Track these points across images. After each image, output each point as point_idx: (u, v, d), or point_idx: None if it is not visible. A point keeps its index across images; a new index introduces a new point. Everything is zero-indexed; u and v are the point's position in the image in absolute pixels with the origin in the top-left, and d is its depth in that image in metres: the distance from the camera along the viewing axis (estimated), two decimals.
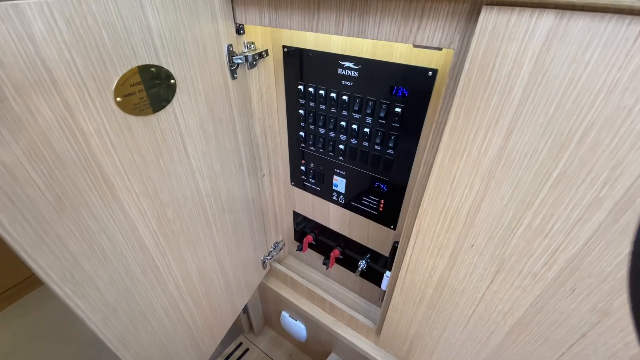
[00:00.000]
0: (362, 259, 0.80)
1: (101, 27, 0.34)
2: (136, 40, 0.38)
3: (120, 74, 0.37)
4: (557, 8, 0.28)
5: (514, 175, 0.37)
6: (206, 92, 0.50)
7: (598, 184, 0.32)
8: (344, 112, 0.61)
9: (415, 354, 0.69)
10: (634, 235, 0.32)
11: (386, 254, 0.75)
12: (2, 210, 0.31)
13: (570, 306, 0.41)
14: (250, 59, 0.56)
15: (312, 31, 0.46)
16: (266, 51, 0.60)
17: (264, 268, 0.92)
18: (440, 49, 0.45)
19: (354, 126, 0.61)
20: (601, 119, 0.30)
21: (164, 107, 0.44)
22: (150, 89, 0.41)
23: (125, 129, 0.40)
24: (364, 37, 0.42)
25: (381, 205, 0.68)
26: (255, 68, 0.60)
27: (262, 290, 1.19)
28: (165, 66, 0.42)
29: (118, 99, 0.38)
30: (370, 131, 0.59)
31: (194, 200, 0.55)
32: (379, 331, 0.75)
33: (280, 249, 0.96)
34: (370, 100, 0.56)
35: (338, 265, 0.91)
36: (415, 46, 0.47)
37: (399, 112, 0.54)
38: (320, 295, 0.87)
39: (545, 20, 0.29)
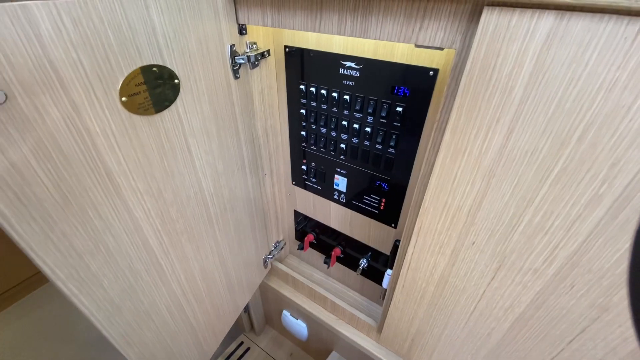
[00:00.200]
0: (363, 258, 0.81)
1: (107, 28, 0.34)
2: (141, 41, 0.38)
3: (126, 74, 0.38)
4: (557, 9, 0.29)
5: (514, 173, 0.37)
6: (209, 92, 0.50)
7: (597, 182, 0.33)
8: (346, 112, 0.61)
9: (416, 351, 0.70)
10: (635, 233, 0.33)
11: (387, 252, 0.76)
12: (11, 209, 0.31)
13: (569, 302, 0.42)
14: (252, 59, 0.56)
15: (314, 31, 0.46)
16: (268, 51, 0.61)
17: (265, 267, 0.93)
18: (441, 49, 0.46)
19: (355, 125, 0.61)
20: (600, 117, 0.30)
21: (167, 107, 0.44)
22: (154, 88, 0.41)
23: (130, 128, 0.40)
24: (367, 37, 0.42)
25: (382, 204, 0.69)
26: (257, 68, 0.60)
27: (263, 290, 1.19)
28: (169, 66, 0.43)
29: (123, 98, 0.38)
30: (371, 130, 0.60)
31: (197, 200, 0.55)
32: (380, 329, 0.76)
33: (282, 248, 0.96)
34: (372, 99, 0.57)
35: (339, 264, 0.91)
36: (417, 46, 0.47)
37: (400, 111, 0.54)
38: (322, 294, 0.88)
39: (546, 21, 0.29)
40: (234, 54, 0.53)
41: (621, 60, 0.28)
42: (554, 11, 0.29)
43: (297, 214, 0.91)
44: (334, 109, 0.63)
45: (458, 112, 0.38)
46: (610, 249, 0.35)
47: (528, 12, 0.30)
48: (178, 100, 0.45)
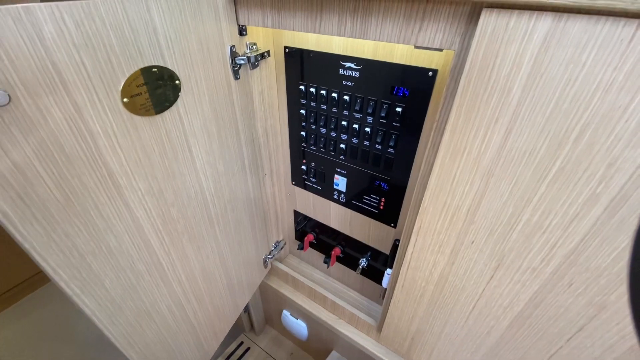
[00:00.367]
0: (363, 257, 0.81)
1: (109, 29, 0.35)
2: (142, 42, 0.38)
3: (127, 75, 0.38)
4: (554, 11, 0.29)
5: (513, 173, 0.38)
6: (210, 93, 0.51)
7: (594, 181, 0.33)
8: (345, 112, 0.62)
9: (416, 350, 0.70)
10: (635, 233, 0.33)
11: (387, 252, 0.76)
12: (14, 209, 0.31)
13: (567, 300, 0.42)
14: (252, 60, 0.56)
15: (314, 32, 0.46)
16: (268, 52, 0.61)
17: (265, 267, 0.93)
18: (441, 50, 0.46)
19: (355, 126, 0.62)
20: (597, 118, 0.31)
21: (167, 107, 0.44)
22: (156, 89, 0.42)
23: (132, 129, 0.40)
24: (366, 39, 0.42)
25: (382, 204, 0.69)
26: (257, 69, 0.61)
27: (263, 289, 1.20)
28: (170, 67, 0.43)
29: (125, 99, 0.38)
30: (371, 131, 0.60)
31: (198, 200, 0.55)
32: (380, 328, 0.76)
33: (282, 248, 0.96)
34: (371, 100, 0.57)
35: (339, 264, 0.91)
36: (417, 47, 0.48)
37: (399, 111, 0.55)
38: (322, 294, 0.88)
39: (543, 23, 0.30)
40: (234, 54, 0.53)
41: (617, 61, 0.28)
42: (551, 13, 0.29)
43: (297, 213, 0.91)
44: (334, 109, 0.63)
45: (457, 113, 0.38)
46: (608, 248, 0.36)
47: (526, 14, 0.30)
48: (179, 100, 0.46)
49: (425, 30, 0.38)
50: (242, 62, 0.55)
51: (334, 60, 0.58)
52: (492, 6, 0.32)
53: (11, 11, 0.27)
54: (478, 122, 0.37)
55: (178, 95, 0.45)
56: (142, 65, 0.39)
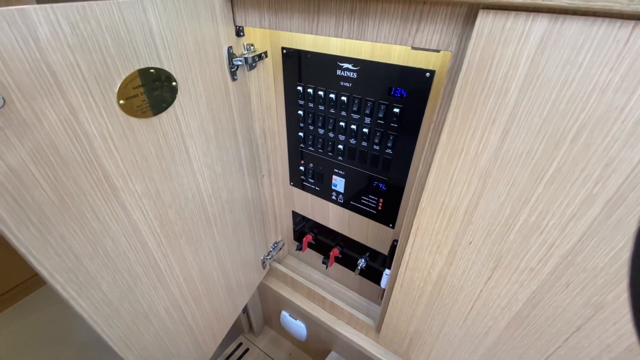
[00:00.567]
0: (362, 258, 0.81)
1: (104, 31, 0.34)
2: (139, 43, 0.38)
3: (123, 77, 0.38)
4: (550, 12, 0.29)
5: (510, 174, 0.38)
6: (207, 94, 0.51)
7: (591, 182, 0.33)
8: (343, 113, 0.62)
9: (414, 350, 0.70)
10: (635, 234, 0.33)
11: (385, 252, 0.76)
12: (9, 213, 0.31)
13: (565, 300, 0.42)
14: (249, 61, 0.56)
15: (312, 34, 0.46)
16: (265, 53, 0.61)
17: (264, 268, 0.93)
18: (438, 51, 0.46)
19: (353, 126, 0.62)
20: (594, 119, 0.31)
21: (165, 109, 0.44)
22: (152, 91, 0.41)
23: (128, 131, 0.40)
24: (364, 40, 0.42)
25: (380, 205, 0.69)
26: (255, 69, 0.61)
27: (262, 290, 1.19)
28: (167, 68, 0.43)
29: (121, 101, 0.38)
30: (369, 131, 0.60)
31: (195, 201, 0.55)
32: (378, 329, 0.76)
33: (280, 249, 0.96)
34: (369, 100, 0.57)
35: (337, 264, 0.91)
36: (414, 48, 0.48)
37: (397, 112, 0.55)
38: (320, 294, 0.88)
39: (540, 24, 0.30)
40: (231, 55, 0.53)
41: (614, 62, 0.28)
42: (547, 14, 0.29)
43: (295, 214, 0.91)
44: (332, 110, 0.63)
45: (454, 113, 0.38)
46: (605, 248, 0.36)
47: (522, 16, 0.30)
48: (176, 102, 0.45)
49: (422, 31, 0.38)
50: (240, 63, 0.55)
51: (331, 61, 0.58)
52: (488, 7, 0.32)
53: (5, 13, 0.27)
54: (475, 123, 0.37)
55: (175, 97, 0.45)
56: (138, 67, 0.39)
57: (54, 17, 0.30)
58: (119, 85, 0.37)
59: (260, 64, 0.61)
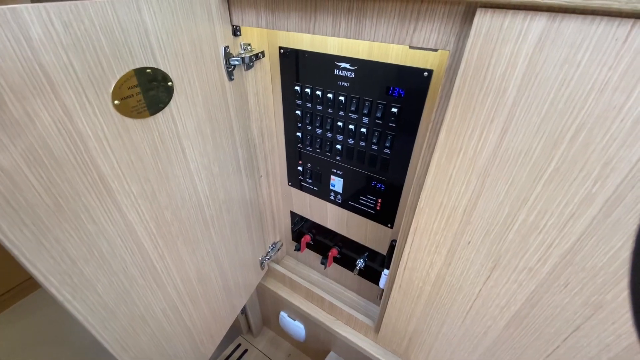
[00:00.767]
0: (360, 258, 0.81)
1: (99, 31, 0.34)
2: (133, 43, 0.38)
3: (118, 77, 0.37)
4: (549, 11, 0.29)
5: (509, 173, 0.38)
6: (203, 94, 0.50)
7: (590, 181, 0.33)
8: (341, 113, 0.61)
9: (413, 350, 0.70)
10: (636, 236, 0.33)
11: (384, 252, 0.76)
12: (1, 216, 0.31)
13: (564, 300, 0.42)
14: (247, 61, 0.56)
15: (309, 33, 0.46)
16: (262, 52, 0.61)
17: (262, 269, 0.92)
18: (435, 50, 0.46)
19: (351, 126, 0.61)
20: (592, 118, 0.31)
21: (161, 109, 0.44)
22: (148, 91, 0.41)
23: (123, 131, 0.40)
24: (361, 39, 0.42)
25: (378, 205, 0.69)
26: (252, 69, 0.60)
27: (261, 291, 1.19)
28: (162, 68, 0.42)
29: (116, 101, 0.38)
30: (367, 131, 0.60)
31: (192, 202, 0.55)
32: (377, 329, 0.76)
33: (278, 250, 0.96)
34: (367, 100, 0.57)
35: (336, 265, 0.91)
36: (412, 47, 0.47)
37: (395, 112, 0.55)
38: (319, 295, 0.88)
39: (538, 23, 0.29)
40: (228, 55, 0.53)
41: (612, 61, 0.28)
42: (546, 13, 0.29)
43: (293, 215, 0.90)
44: (329, 110, 0.63)
45: (452, 113, 0.38)
46: (604, 248, 0.36)
47: (520, 14, 0.30)
48: (172, 102, 0.45)
49: (420, 30, 0.38)
50: (237, 62, 0.54)
51: (329, 61, 0.57)
52: (486, 6, 0.31)
53: None
54: (474, 122, 0.37)
55: (171, 97, 0.45)
56: (133, 67, 0.38)
57: (46, 16, 0.30)
58: (113, 85, 0.37)
59: (257, 64, 0.61)
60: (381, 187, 0.66)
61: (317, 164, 0.73)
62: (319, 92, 0.62)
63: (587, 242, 0.37)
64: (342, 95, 0.59)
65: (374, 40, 0.41)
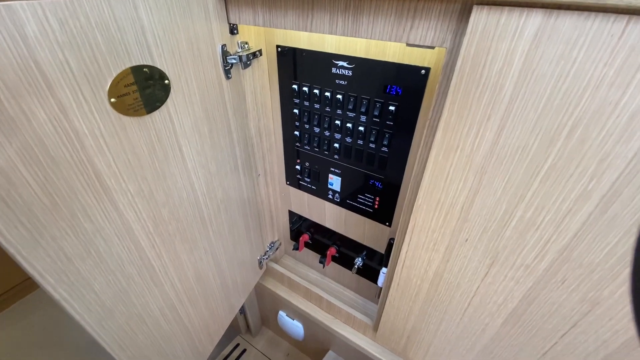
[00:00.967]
0: (358, 257, 0.81)
1: (94, 28, 0.34)
2: (130, 41, 0.38)
3: (114, 75, 0.37)
4: (544, 7, 0.29)
5: (506, 170, 0.38)
6: (201, 93, 0.50)
7: (586, 177, 0.33)
8: (339, 111, 0.61)
9: (412, 348, 0.70)
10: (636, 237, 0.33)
11: (382, 250, 0.76)
12: None
13: (561, 296, 0.42)
14: (244, 59, 0.56)
15: (306, 31, 0.46)
16: (260, 51, 0.61)
17: (261, 268, 0.92)
18: (432, 47, 0.46)
19: (349, 125, 0.61)
20: (588, 114, 0.31)
21: (158, 107, 0.44)
22: (145, 89, 0.41)
23: (120, 129, 0.40)
24: (358, 37, 0.42)
25: (376, 203, 0.69)
26: (249, 68, 0.60)
27: (259, 290, 1.19)
28: (159, 66, 0.42)
29: (112, 99, 0.38)
30: (364, 129, 0.60)
31: (190, 201, 0.55)
32: (376, 327, 0.76)
33: (277, 249, 0.96)
34: (365, 98, 0.57)
35: (334, 264, 0.91)
36: (409, 45, 0.47)
37: (392, 110, 0.55)
38: (317, 294, 0.88)
39: (534, 19, 0.29)
40: (225, 53, 0.53)
41: (608, 57, 0.28)
42: (541, 9, 0.29)
43: (291, 214, 0.90)
44: (327, 109, 0.63)
45: (450, 110, 0.38)
46: (600, 244, 0.36)
47: (516, 11, 0.30)
48: (169, 100, 0.45)
49: (417, 28, 0.38)
50: (234, 61, 0.54)
51: (326, 59, 0.57)
52: (482, 3, 0.31)
53: None
54: (470, 120, 0.37)
55: (168, 95, 0.44)
56: (129, 65, 0.38)
57: (42, 13, 0.30)
58: (109, 83, 0.37)
59: (255, 62, 0.61)
60: (379, 186, 0.66)
61: (315, 163, 0.73)
62: (316, 91, 0.62)
63: (584, 238, 0.37)
64: (340, 94, 0.59)
65: (371, 38, 0.41)
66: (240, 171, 0.67)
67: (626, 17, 0.26)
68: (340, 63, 0.56)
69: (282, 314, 1.13)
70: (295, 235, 0.95)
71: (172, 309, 0.58)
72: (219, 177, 0.60)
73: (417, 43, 0.39)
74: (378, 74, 0.53)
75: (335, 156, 0.69)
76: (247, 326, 1.34)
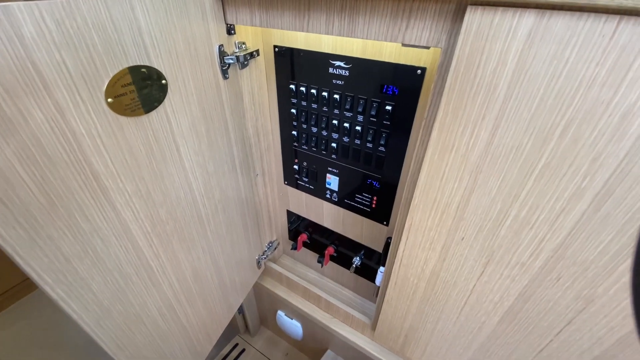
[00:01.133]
0: (356, 256, 0.81)
1: (91, 28, 0.34)
2: (127, 41, 0.38)
3: (111, 75, 0.37)
4: (537, 8, 0.29)
5: (500, 169, 0.38)
6: (198, 93, 0.50)
7: (579, 176, 0.34)
8: (336, 111, 0.62)
9: (410, 347, 0.71)
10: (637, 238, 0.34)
11: (380, 250, 0.76)
12: None
13: (556, 294, 0.42)
14: (241, 59, 0.56)
15: (302, 31, 0.46)
16: (257, 51, 0.61)
17: (259, 268, 0.93)
18: (428, 47, 0.46)
19: (346, 124, 0.62)
20: (581, 113, 0.31)
21: (155, 107, 0.44)
22: (142, 89, 0.41)
23: (117, 129, 0.40)
24: (354, 37, 0.42)
25: (374, 202, 0.69)
26: (247, 68, 0.60)
27: (258, 290, 1.19)
28: (156, 67, 0.42)
29: (109, 99, 0.38)
30: (361, 129, 0.60)
31: (187, 200, 0.55)
32: (374, 326, 0.76)
33: (275, 248, 0.96)
34: (361, 98, 0.57)
35: (332, 263, 0.91)
36: (404, 45, 0.48)
37: (389, 110, 0.55)
38: (316, 293, 0.88)
39: (527, 20, 0.30)
40: (222, 54, 0.53)
41: (600, 57, 0.29)
42: (534, 10, 0.29)
43: (290, 213, 0.91)
44: (324, 108, 0.63)
45: (445, 110, 0.38)
46: (594, 242, 0.36)
47: (510, 11, 0.30)
48: (166, 100, 0.45)
49: (412, 28, 0.38)
50: (231, 61, 0.55)
51: (323, 59, 0.58)
52: (476, 4, 0.32)
53: None
54: (465, 119, 0.37)
55: (165, 96, 0.45)
56: (126, 65, 0.38)
57: (38, 14, 0.30)
58: (106, 83, 0.37)
59: (252, 63, 0.61)
60: (376, 185, 0.66)
61: (313, 163, 0.73)
62: (313, 91, 0.62)
63: (578, 236, 0.37)
64: (337, 94, 0.59)
65: (366, 38, 0.42)
66: (238, 171, 0.67)
67: (617, 17, 0.27)
68: (337, 63, 0.56)
69: (280, 313, 1.13)
70: (293, 234, 0.95)
71: (170, 309, 0.58)
72: (217, 177, 0.60)
73: (412, 43, 0.39)
74: (375, 74, 0.53)
75: (333, 156, 0.69)
76: (246, 326, 1.34)
